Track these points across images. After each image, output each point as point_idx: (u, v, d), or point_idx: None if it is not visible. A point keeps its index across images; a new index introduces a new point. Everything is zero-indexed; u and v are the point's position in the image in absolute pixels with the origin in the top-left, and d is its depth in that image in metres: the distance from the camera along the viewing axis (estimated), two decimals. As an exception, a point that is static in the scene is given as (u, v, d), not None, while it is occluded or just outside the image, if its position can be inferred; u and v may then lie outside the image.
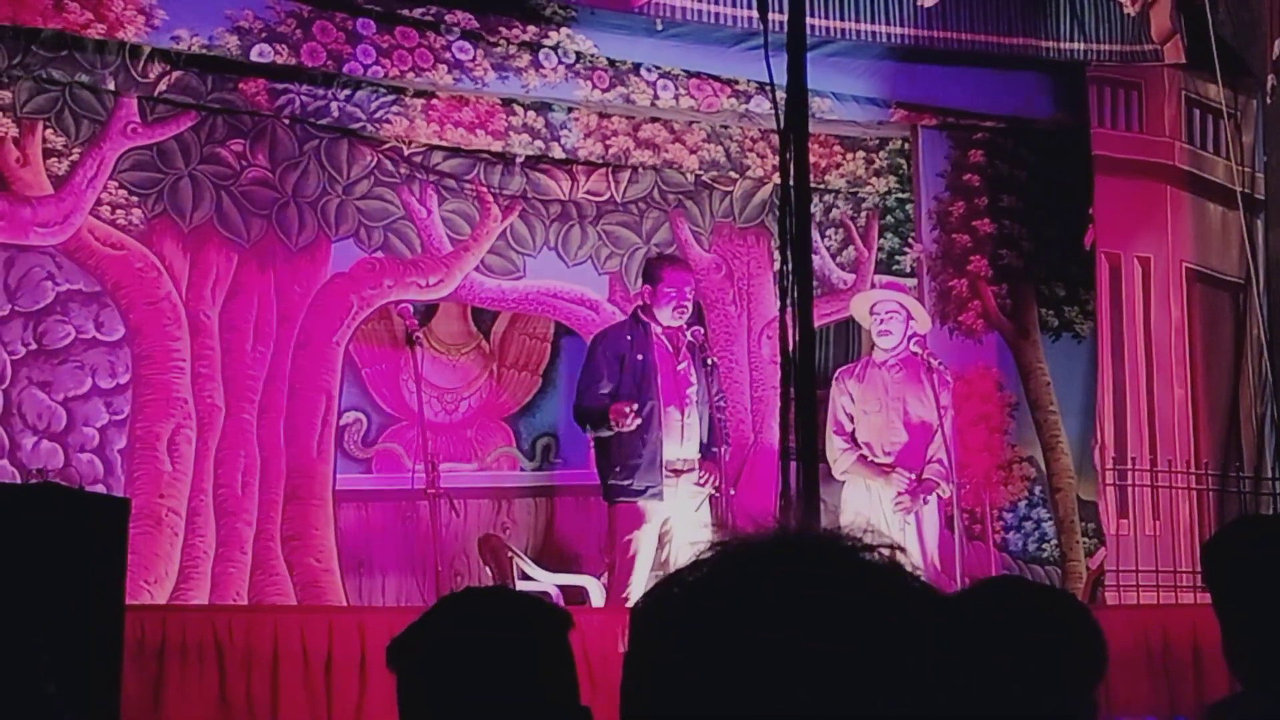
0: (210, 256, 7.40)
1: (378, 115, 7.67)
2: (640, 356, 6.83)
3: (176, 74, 7.27)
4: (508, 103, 7.91)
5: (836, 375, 7.44)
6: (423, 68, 7.53)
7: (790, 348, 3.45)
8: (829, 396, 7.28)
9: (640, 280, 7.01)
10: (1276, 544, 2.43)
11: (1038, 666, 2.15)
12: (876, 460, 7.20)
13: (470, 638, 2.25)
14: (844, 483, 7.26)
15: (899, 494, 7.11)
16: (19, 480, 6.78)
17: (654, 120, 8.23)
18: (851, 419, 7.28)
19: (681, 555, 6.49)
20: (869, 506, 7.08)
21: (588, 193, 8.20)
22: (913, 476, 7.14)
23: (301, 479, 7.49)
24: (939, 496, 7.23)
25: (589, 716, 2.31)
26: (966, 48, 8.15)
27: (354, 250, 7.71)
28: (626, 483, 6.78)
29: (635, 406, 6.69)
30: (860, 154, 8.70)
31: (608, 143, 8.15)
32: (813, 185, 7.72)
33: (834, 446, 7.18)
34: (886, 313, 7.32)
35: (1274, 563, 2.36)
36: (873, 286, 8.35)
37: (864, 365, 7.43)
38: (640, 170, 8.28)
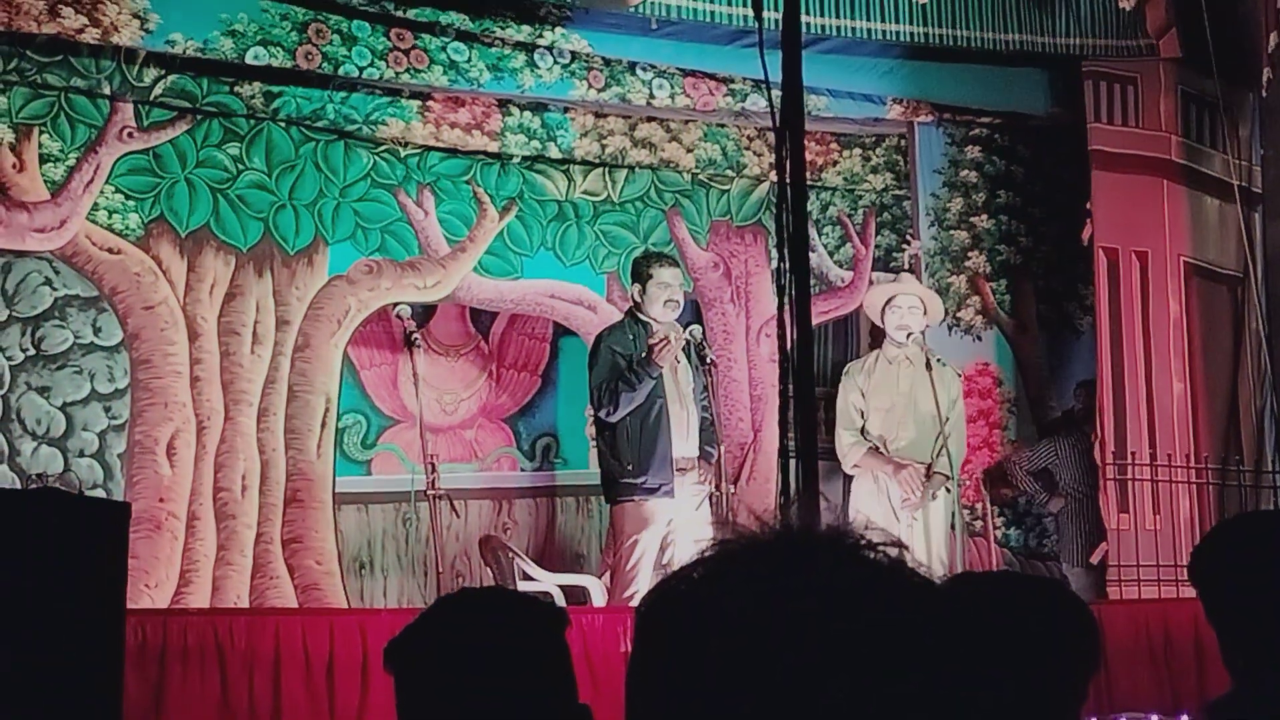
0: (208, 260, 7.40)
1: (374, 117, 7.66)
2: (644, 354, 6.77)
3: (172, 78, 7.27)
4: (504, 103, 7.90)
5: (846, 369, 7.38)
6: (418, 69, 7.53)
7: (788, 346, 3.45)
8: (835, 392, 7.26)
9: (631, 280, 6.96)
10: (1266, 541, 2.43)
11: (1031, 658, 2.14)
12: (889, 455, 7.12)
13: (467, 638, 2.26)
14: (853, 477, 7.20)
15: (906, 493, 7.05)
16: (19, 486, 6.78)
17: (650, 119, 8.23)
18: (862, 414, 7.22)
19: (685, 554, 6.47)
20: (877, 502, 7.04)
21: (584, 192, 8.20)
22: (924, 469, 7.08)
23: (301, 482, 7.48)
24: (945, 491, 7.17)
25: (588, 714, 2.31)
26: (962, 44, 8.17)
27: (351, 252, 7.70)
28: (639, 480, 6.63)
29: (663, 337, 6.59)
30: (857, 151, 8.70)
31: (604, 142, 8.14)
32: (810, 183, 7.71)
33: (843, 441, 7.12)
34: (909, 307, 7.24)
35: (1269, 560, 2.36)
36: (870, 284, 8.33)
37: (874, 359, 7.37)
38: (637, 169, 8.28)
